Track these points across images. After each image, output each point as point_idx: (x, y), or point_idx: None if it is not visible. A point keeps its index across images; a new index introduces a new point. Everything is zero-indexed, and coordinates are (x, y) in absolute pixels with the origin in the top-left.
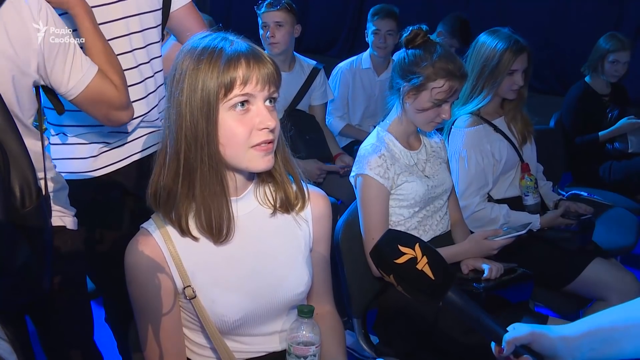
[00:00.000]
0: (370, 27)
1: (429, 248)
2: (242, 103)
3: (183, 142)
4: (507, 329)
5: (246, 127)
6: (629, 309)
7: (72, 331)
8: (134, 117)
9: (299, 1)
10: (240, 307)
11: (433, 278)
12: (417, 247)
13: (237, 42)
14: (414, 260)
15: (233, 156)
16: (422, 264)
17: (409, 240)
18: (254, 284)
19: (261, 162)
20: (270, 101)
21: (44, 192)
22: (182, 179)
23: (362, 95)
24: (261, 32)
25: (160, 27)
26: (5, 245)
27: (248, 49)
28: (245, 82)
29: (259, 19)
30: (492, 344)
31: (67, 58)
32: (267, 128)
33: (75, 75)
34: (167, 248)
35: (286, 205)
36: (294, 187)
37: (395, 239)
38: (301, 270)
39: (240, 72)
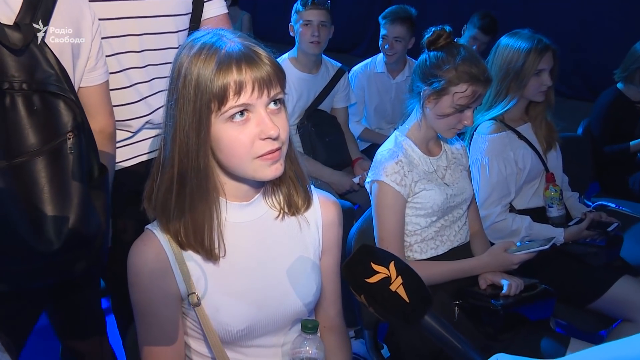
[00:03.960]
0: (382, 30)
1: (406, 268)
2: (241, 112)
3: (177, 154)
4: (490, 359)
5: (247, 137)
6: (615, 348)
7: (90, 311)
8: (137, 116)
9: None
10: (246, 316)
11: (408, 301)
12: (391, 265)
13: (231, 42)
14: (387, 280)
15: (238, 166)
16: (396, 285)
17: (384, 257)
18: (260, 293)
19: (268, 171)
20: (275, 103)
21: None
22: (176, 193)
23: (378, 99)
24: (298, 28)
25: (185, 32)
26: (84, 215)
27: (241, 50)
28: (239, 91)
29: (294, 15)
30: None
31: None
32: (270, 137)
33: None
34: (172, 251)
35: (293, 207)
36: (300, 188)
37: (368, 255)
38: (309, 280)
39: (231, 79)
